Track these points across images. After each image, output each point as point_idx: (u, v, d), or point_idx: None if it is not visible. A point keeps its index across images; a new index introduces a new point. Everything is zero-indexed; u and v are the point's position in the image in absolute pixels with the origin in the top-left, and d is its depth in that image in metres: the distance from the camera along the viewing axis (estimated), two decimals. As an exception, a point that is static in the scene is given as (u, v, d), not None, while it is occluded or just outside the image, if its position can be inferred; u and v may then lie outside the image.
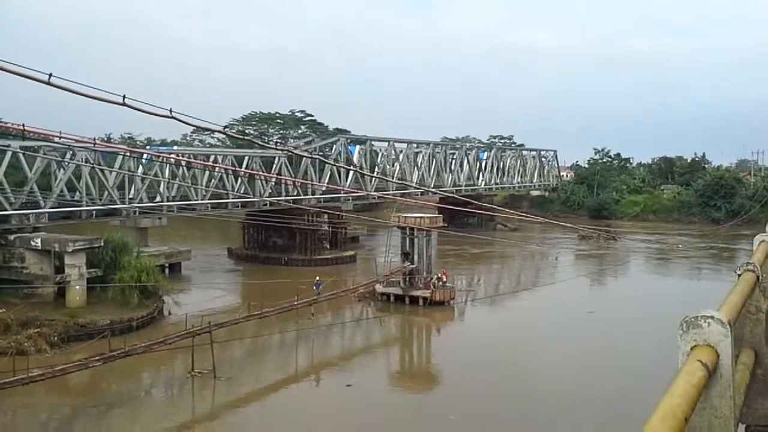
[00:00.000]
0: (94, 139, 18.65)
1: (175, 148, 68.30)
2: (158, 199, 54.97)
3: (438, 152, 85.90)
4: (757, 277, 4.21)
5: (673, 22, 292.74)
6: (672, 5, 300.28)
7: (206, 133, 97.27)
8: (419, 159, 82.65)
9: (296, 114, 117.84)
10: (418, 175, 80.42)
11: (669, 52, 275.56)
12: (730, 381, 2.49)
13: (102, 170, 49.29)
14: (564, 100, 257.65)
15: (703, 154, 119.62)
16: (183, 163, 55.61)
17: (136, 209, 52.22)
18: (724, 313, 2.62)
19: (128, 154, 52.00)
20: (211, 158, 62.17)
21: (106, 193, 50.31)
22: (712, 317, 2.43)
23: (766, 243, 5.70)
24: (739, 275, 4.01)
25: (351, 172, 67.22)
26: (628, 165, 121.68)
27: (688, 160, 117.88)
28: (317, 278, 43.32)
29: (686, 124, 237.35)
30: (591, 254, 71.12)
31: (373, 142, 77.44)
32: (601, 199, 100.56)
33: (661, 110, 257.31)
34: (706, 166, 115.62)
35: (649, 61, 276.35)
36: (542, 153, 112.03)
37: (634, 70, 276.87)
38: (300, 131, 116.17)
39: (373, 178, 69.81)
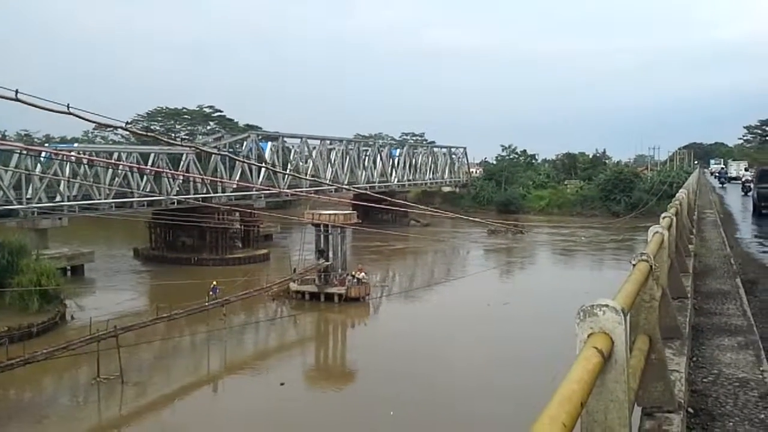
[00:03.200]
0: (-15, 136, 17.50)
1: (76, 145, 65.14)
2: (58, 198, 52.40)
3: (351, 149, 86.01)
4: (651, 267, 4.44)
5: (576, 25, 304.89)
6: (576, 7, 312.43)
7: (109, 129, 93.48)
8: (333, 156, 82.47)
9: (205, 109, 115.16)
10: (332, 172, 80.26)
11: (571, 53, 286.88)
12: (624, 366, 2.60)
13: (-5, 169, 46.51)
14: (473, 98, 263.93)
15: (604, 150, 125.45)
16: (85, 161, 53.25)
17: (35, 210, 49.61)
18: (619, 301, 2.74)
19: (24, 152, 49.31)
20: (115, 155, 59.73)
21: (1, 193, 47.53)
22: (607, 306, 2.53)
23: (659, 234, 6.02)
24: (634, 265, 4.21)
25: (263, 170, 66.29)
26: (533, 161, 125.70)
27: (590, 156, 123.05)
28: (214, 283, 42.13)
29: (588, 122, 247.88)
30: (500, 248, 73.10)
31: (285, 139, 76.67)
32: (509, 195, 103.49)
33: (565, 108, 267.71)
34: (607, 161, 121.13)
35: (553, 61, 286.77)
36: (453, 150, 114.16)
37: (541, 71, 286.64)
38: (209, 127, 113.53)
39: (286, 176, 69.12)
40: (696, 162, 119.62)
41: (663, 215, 7.75)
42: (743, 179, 49.06)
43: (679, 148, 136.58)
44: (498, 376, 29.88)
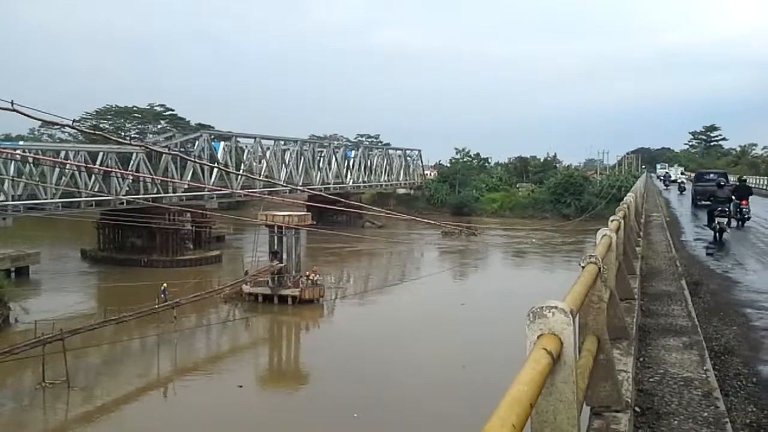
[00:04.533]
0: None
1: (21, 143, 63.26)
2: (2, 198, 50.70)
3: (306, 150, 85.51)
4: (599, 269, 4.52)
5: (528, 27, 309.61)
6: (522, 10, 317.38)
7: (56, 127, 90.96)
8: (287, 156, 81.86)
9: (155, 108, 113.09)
10: (286, 172, 79.66)
11: (522, 57, 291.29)
12: (573, 367, 2.64)
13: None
14: (427, 101, 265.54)
15: (555, 154, 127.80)
16: (30, 159, 51.67)
17: (-24, 209, 47.95)
18: (568, 303, 2.77)
19: (-34, 149, 47.56)
20: (62, 154, 58.11)
21: (-61, 191, 45.83)
22: (556, 307, 2.56)
23: (607, 237, 6.15)
24: (583, 267, 4.27)
25: (215, 170, 65.41)
26: (487, 164, 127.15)
27: (541, 160, 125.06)
28: (163, 285, 41.38)
29: (540, 126, 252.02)
30: (454, 249, 73.68)
31: (238, 139, 75.77)
32: (463, 197, 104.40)
33: (516, 112, 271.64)
34: (557, 165, 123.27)
35: (507, 63, 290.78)
36: (407, 152, 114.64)
37: (494, 73, 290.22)
38: (160, 126, 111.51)
39: (239, 176, 68.33)
40: (644, 166, 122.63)
41: (611, 218, 7.90)
42: (679, 181, 59.82)
43: (628, 153, 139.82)
44: (454, 377, 30.03)
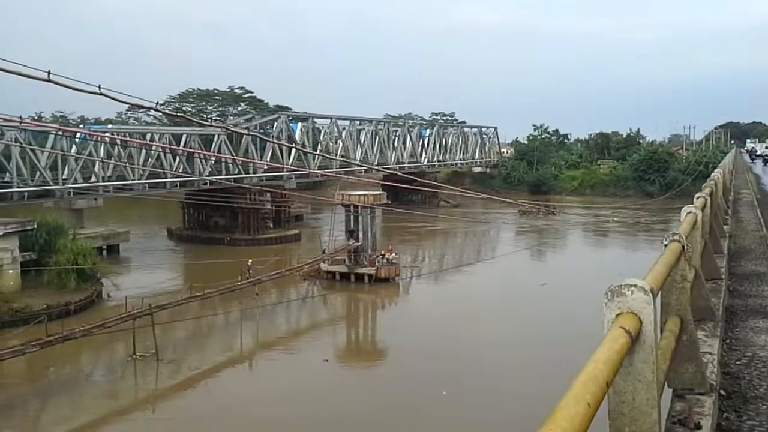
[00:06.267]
0: (21, 118, 17.85)
1: (110, 126, 66.07)
2: (93, 179, 53.31)
3: (381, 129, 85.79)
4: (683, 247, 4.36)
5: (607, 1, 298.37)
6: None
7: (141, 110, 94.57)
8: (362, 136, 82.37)
9: (235, 90, 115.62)
10: (362, 152, 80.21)
11: (603, 30, 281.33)
12: (653, 347, 2.58)
13: (33, 150, 47.40)
14: (504, 77, 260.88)
15: (638, 129, 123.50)
16: (118, 142, 54.01)
17: (71, 190, 50.58)
18: (648, 281, 2.70)
19: (60, 133, 50.15)
20: (148, 136, 60.47)
21: (38, 173, 48.50)
22: (636, 285, 2.50)
23: (692, 214, 5.92)
24: (666, 245, 4.14)
25: (293, 150, 66.54)
26: (566, 141, 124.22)
27: (624, 136, 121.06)
28: (249, 262, 42.64)
29: (622, 101, 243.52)
30: (532, 228, 72.56)
31: (315, 120, 76.74)
32: (541, 175, 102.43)
33: (598, 87, 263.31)
34: (641, 141, 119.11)
35: (585, 38, 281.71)
36: (483, 130, 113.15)
37: (571, 48, 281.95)
38: (240, 108, 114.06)
39: (316, 156, 69.30)
40: (732, 142, 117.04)
41: (697, 195, 7.60)
42: (764, 155, 67.80)
43: (716, 128, 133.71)
44: (534, 356, 29.64)
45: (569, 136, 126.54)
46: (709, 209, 8.12)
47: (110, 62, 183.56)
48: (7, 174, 46.99)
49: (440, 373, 28.03)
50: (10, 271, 39.22)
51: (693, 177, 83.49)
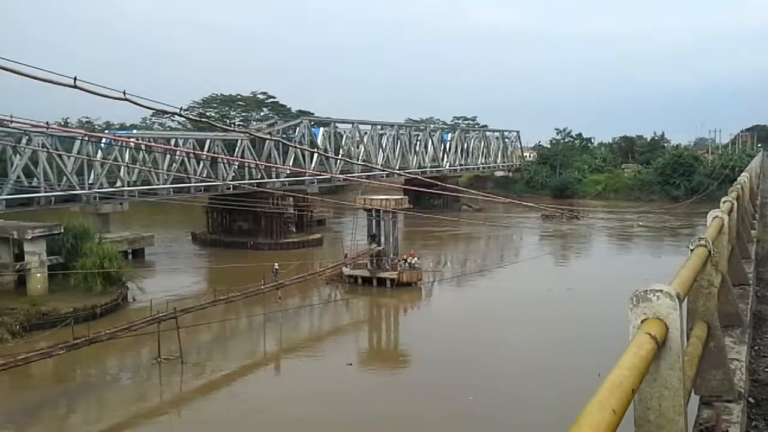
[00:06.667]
0: (47, 123, 18.15)
1: (135, 131, 66.98)
2: (119, 184, 53.98)
3: (402, 134, 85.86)
4: (709, 252, 4.30)
5: (631, 4, 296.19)
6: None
7: (166, 116, 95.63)
8: (384, 141, 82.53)
9: (258, 96, 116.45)
10: (383, 157, 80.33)
11: (625, 34, 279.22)
12: (679, 353, 2.54)
13: (60, 155, 48.14)
14: (526, 81, 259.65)
15: (662, 133, 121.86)
16: (143, 147, 54.64)
17: (97, 195, 51.25)
18: (675, 287, 2.67)
19: (86, 138, 50.88)
20: (172, 142, 61.20)
21: (64, 178, 49.21)
22: (662, 291, 2.47)
23: (719, 218, 5.83)
24: (692, 250, 4.09)
25: (315, 155, 66.82)
26: (589, 145, 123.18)
27: (648, 139, 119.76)
28: (275, 266, 42.95)
29: (646, 105, 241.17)
30: (555, 233, 72.07)
31: (337, 124, 77.00)
32: (564, 179, 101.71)
33: (622, 90, 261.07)
34: (666, 144, 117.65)
35: (606, 41, 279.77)
36: (505, 134, 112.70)
37: (592, 51, 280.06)
38: (262, 113, 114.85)
39: (338, 161, 69.51)
40: (759, 145, 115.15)
41: (723, 199, 7.49)
42: None
43: (742, 131, 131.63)
44: (559, 364, 29.36)
45: (593, 140, 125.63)
46: (736, 213, 8.00)
47: (131, 69, 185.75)
48: (35, 179, 47.79)
49: (464, 378, 27.95)
50: (38, 275, 39.87)
51: (719, 181, 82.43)
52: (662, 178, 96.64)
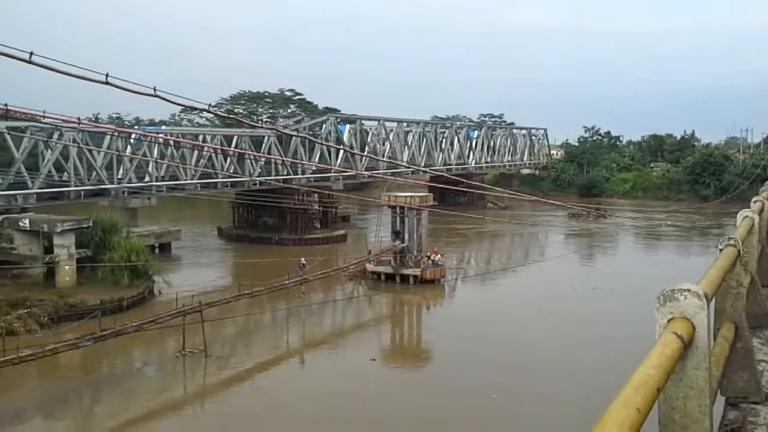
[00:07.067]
0: (79, 119, 18.43)
1: (164, 127, 67.67)
2: (147, 179, 54.67)
3: (428, 131, 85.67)
4: (739, 252, 4.25)
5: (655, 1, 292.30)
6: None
7: (194, 112, 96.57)
8: (409, 138, 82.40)
9: (285, 93, 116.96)
10: (409, 154, 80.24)
11: (653, 31, 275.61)
12: (706, 353, 2.52)
13: (90, 150, 48.91)
14: (555, 79, 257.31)
15: (693, 131, 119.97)
16: (171, 142, 55.25)
17: (125, 189, 51.96)
18: (702, 286, 2.64)
19: (116, 133, 51.59)
20: (200, 138, 61.80)
21: (94, 173, 49.97)
22: (689, 290, 2.45)
23: (749, 218, 5.75)
24: (721, 250, 4.04)
25: (341, 152, 67.00)
26: (617, 143, 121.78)
27: (678, 138, 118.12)
28: (302, 260, 43.26)
29: (676, 103, 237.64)
30: (581, 232, 71.46)
31: (363, 121, 77.08)
32: (591, 177, 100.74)
33: (650, 88, 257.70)
34: (696, 143, 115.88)
35: (634, 38, 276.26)
36: (532, 131, 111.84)
37: (621, 48, 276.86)
38: (289, 110, 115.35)
39: (363, 158, 69.62)
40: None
41: (754, 199, 7.38)
42: None
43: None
44: (586, 359, 29.18)
45: (621, 138, 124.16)
46: (767, 213, 7.86)
47: (165, 69, 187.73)
48: (65, 173, 48.60)
49: (487, 376, 27.89)
50: (67, 267, 40.55)
51: (750, 181, 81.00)
52: (692, 177, 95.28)
